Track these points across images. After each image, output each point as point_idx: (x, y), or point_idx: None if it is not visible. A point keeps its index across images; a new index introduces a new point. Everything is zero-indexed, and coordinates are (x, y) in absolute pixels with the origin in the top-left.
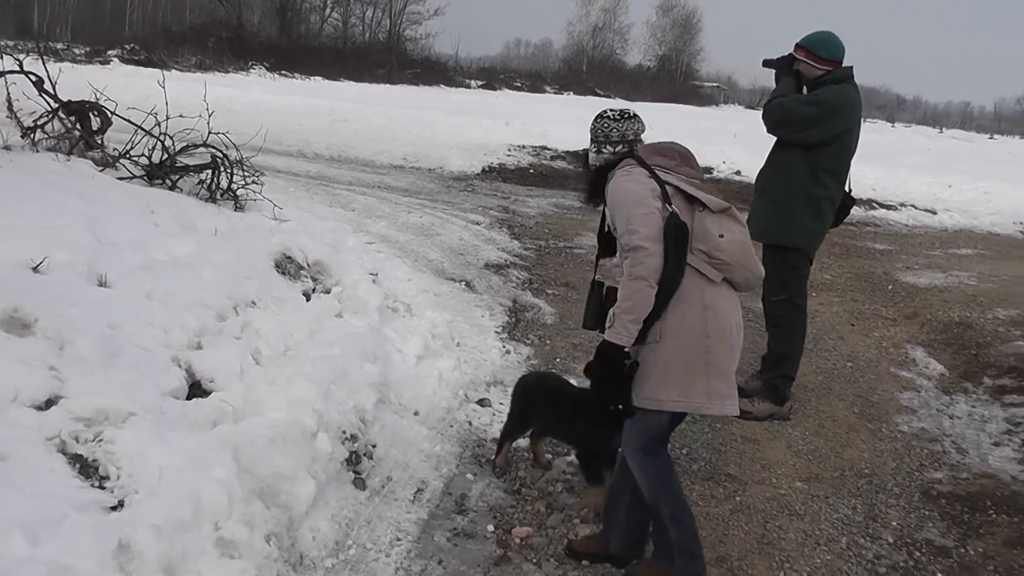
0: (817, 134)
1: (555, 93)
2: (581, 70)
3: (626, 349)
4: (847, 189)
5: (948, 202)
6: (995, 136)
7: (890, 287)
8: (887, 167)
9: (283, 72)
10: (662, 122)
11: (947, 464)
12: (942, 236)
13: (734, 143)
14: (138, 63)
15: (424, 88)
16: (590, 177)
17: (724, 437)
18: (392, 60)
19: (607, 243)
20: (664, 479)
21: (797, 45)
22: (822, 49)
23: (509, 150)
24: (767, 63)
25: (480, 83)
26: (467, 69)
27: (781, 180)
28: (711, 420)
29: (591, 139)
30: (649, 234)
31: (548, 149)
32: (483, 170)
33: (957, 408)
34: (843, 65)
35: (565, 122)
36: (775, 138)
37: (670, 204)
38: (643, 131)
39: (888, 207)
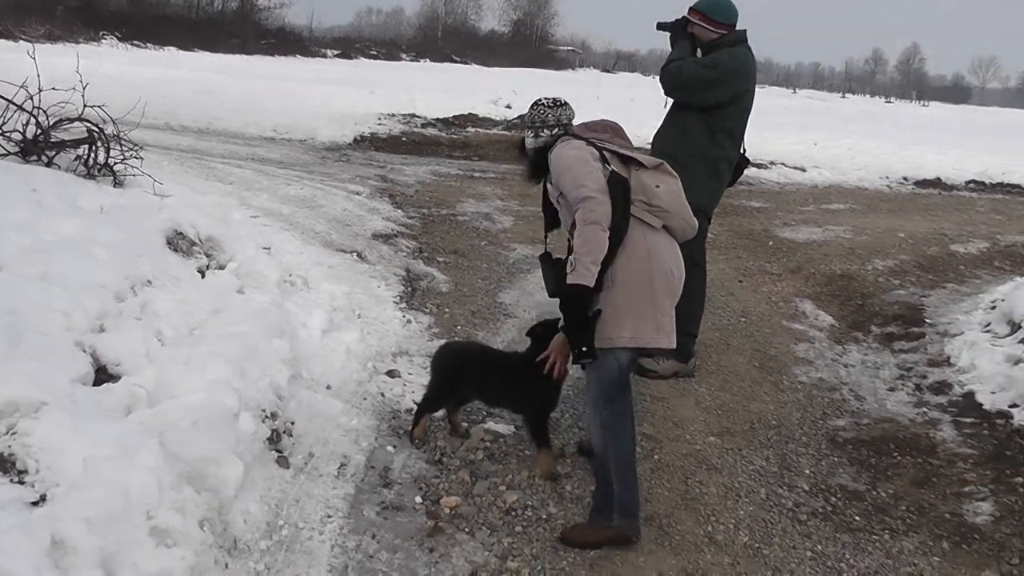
0: (714, 96)
1: (412, 60)
2: (436, 37)
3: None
4: (742, 150)
5: (816, 159)
6: (847, 95)
7: (771, 243)
8: (753, 127)
9: (135, 42)
10: (525, 87)
11: (848, 411)
12: (814, 192)
13: (599, 106)
14: None
15: (281, 59)
16: (532, 157)
17: (634, 397)
18: (246, 30)
19: (552, 215)
20: (617, 430)
21: (691, 8)
22: (717, 13)
23: (379, 119)
24: (661, 26)
25: (336, 52)
26: (322, 39)
27: (680, 141)
28: None
29: (528, 126)
30: (596, 186)
31: (417, 117)
32: (355, 139)
33: (850, 357)
34: (737, 28)
35: (430, 89)
36: (671, 100)
37: (609, 164)
38: (574, 117)
39: (759, 166)
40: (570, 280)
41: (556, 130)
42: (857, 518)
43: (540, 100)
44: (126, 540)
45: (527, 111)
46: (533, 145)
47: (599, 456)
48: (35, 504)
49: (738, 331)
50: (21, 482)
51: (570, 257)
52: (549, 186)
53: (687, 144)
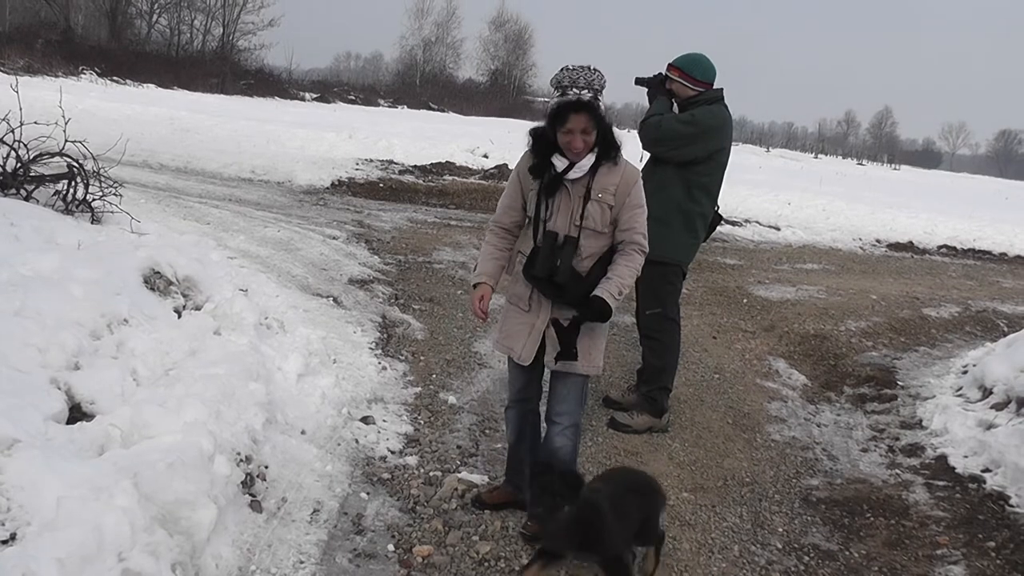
0: (692, 152)
1: (389, 106)
2: (415, 83)
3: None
4: (716, 206)
5: (790, 218)
6: (820, 156)
7: (745, 301)
8: (728, 184)
9: (115, 78)
10: (502, 136)
11: (821, 471)
12: (787, 251)
13: None
14: None
15: (260, 100)
16: (611, 130)
17: (607, 451)
18: (226, 70)
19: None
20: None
21: (671, 65)
22: (696, 71)
23: (357, 164)
24: (639, 81)
25: (314, 95)
26: (301, 81)
27: (657, 196)
28: (592, 435)
29: (598, 89)
30: None
31: (395, 163)
32: (332, 184)
33: (823, 416)
34: (714, 87)
35: (407, 136)
36: (648, 155)
37: None
38: None
39: (734, 223)
40: (611, 300)
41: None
42: None
43: (586, 65)
44: None
45: (576, 72)
46: (605, 115)
47: (569, 458)
48: (5, 543)
49: (712, 387)
50: None
51: (619, 280)
52: (595, 203)
53: (664, 198)
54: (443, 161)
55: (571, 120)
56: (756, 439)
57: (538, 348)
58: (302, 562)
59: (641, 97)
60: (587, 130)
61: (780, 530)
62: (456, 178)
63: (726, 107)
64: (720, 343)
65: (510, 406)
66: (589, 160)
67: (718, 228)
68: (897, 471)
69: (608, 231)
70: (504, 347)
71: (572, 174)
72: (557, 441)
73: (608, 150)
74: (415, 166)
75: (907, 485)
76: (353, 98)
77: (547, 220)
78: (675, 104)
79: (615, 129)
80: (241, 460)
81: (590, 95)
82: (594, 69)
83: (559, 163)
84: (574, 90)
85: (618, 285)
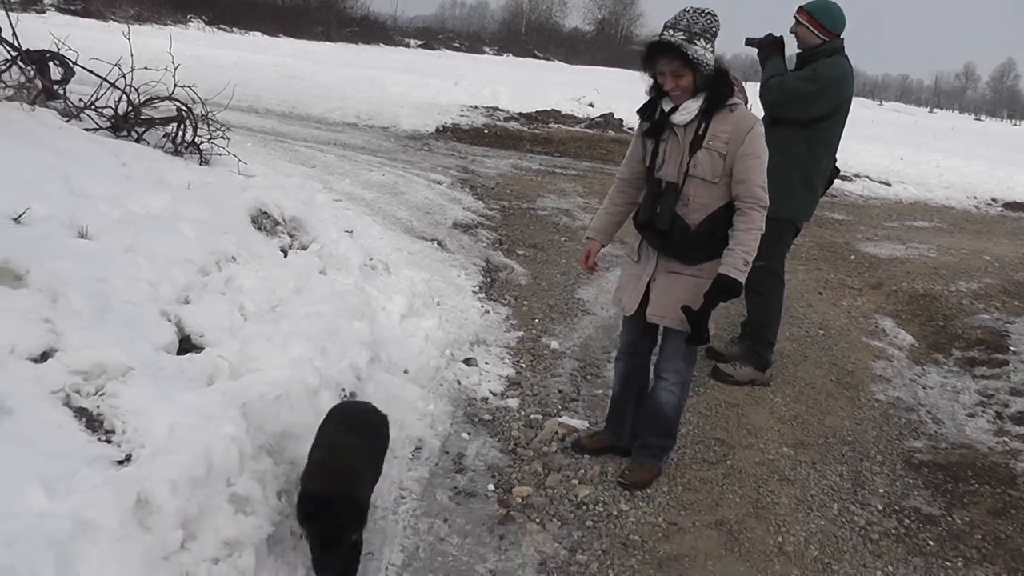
0: (815, 110)
1: (494, 55)
2: (520, 32)
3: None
4: (834, 160)
5: (901, 174)
6: (935, 110)
7: (852, 257)
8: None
9: (221, 26)
10: (608, 86)
11: (925, 434)
12: (898, 208)
13: None
14: (75, 13)
15: (364, 47)
16: (717, 77)
17: (708, 402)
18: (331, 18)
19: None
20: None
21: (801, 8)
22: (827, 19)
23: (461, 110)
24: (749, 42)
25: (419, 43)
26: (405, 28)
27: (776, 153)
28: (693, 385)
29: (698, 32)
30: None
31: (500, 110)
32: (437, 130)
33: (929, 378)
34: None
35: (512, 83)
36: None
37: None
38: None
39: (844, 178)
40: (738, 277)
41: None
42: (930, 543)
43: (701, 8)
44: (207, 505)
45: (682, 13)
46: (710, 61)
47: (671, 416)
48: (121, 463)
49: (816, 343)
50: (108, 441)
51: (743, 254)
52: (706, 151)
53: (783, 155)
54: (548, 109)
55: (659, 62)
56: (859, 398)
57: (642, 301)
58: (403, 498)
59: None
60: (678, 73)
61: (881, 491)
62: (561, 126)
63: (847, 58)
64: (826, 299)
65: (619, 357)
66: (695, 104)
67: None
68: (1005, 439)
69: (720, 182)
70: (616, 299)
71: (678, 118)
72: (663, 396)
73: (719, 96)
74: (520, 113)
75: (1015, 454)
76: (458, 45)
77: (657, 168)
78: (793, 54)
79: (735, 76)
80: (345, 396)
81: (683, 37)
82: (705, 12)
83: (665, 104)
84: (668, 31)
85: (742, 256)
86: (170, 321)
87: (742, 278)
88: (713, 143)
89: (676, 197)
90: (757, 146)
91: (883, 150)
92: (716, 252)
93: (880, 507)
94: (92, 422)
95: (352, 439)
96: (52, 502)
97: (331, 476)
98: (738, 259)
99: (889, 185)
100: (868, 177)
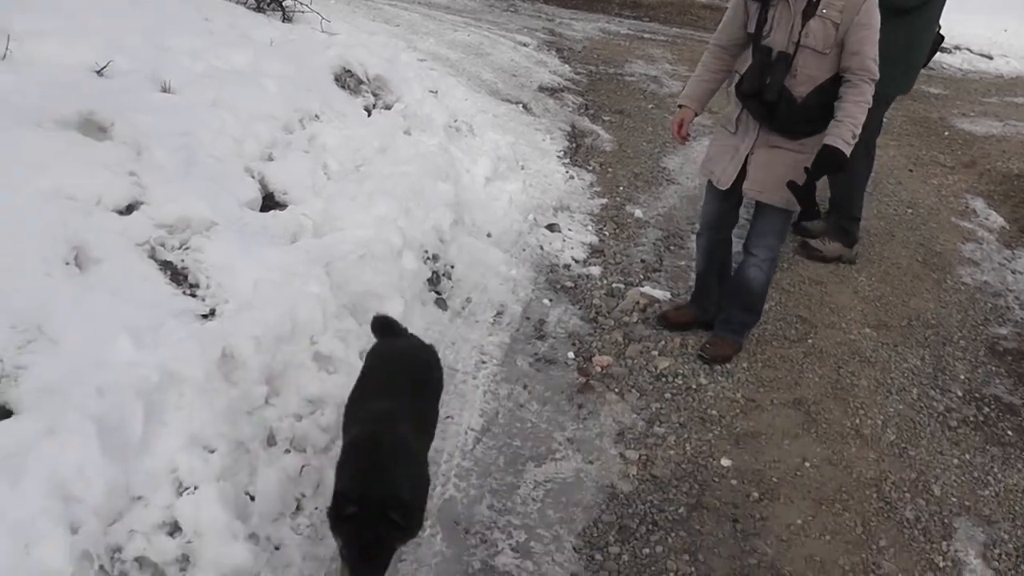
0: None
1: None
2: None
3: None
4: (938, 28)
5: (1004, 47)
6: None
7: (946, 133)
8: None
9: None
10: None
11: (1011, 320)
12: (998, 83)
13: None
14: None
15: None
16: None
17: (792, 278)
18: None
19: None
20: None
21: None
22: None
23: None
24: None
25: None
26: None
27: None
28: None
29: None
30: None
31: None
32: None
33: (1019, 263)
34: None
35: None
36: None
37: None
38: None
39: (943, 50)
40: (843, 149)
41: None
42: (1009, 432)
43: None
44: (291, 362)
45: None
46: None
47: (759, 292)
48: (206, 317)
49: (904, 222)
50: (193, 295)
51: (847, 122)
52: (819, 20)
53: (886, 26)
54: None
55: None
56: (946, 280)
57: (738, 175)
58: (484, 362)
59: None
60: None
61: (962, 377)
62: None
63: None
64: (916, 177)
65: (701, 232)
66: None
67: None
68: None
69: (830, 53)
70: (706, 170)
71: None
72: (752, 272)
73: None
74: None
75: None
76: None
77: (765, 35)
78: None
79: None
80: (428, 258)
81: None
82: None
83: None
84: None
85: (850, 128)
86: (254, 178)
87: (848, 151)
88: (828, 11)
89: (787, 68)
90: (872, 16)
91: (986, 21)
92: (820, 127)
93: (960, 394)
94: (177, 275)
95: (397, 407)
96: (139, 352)
97: (375, 472)
98: (846, 131)
99: (990, 58)
100: (968, 49)
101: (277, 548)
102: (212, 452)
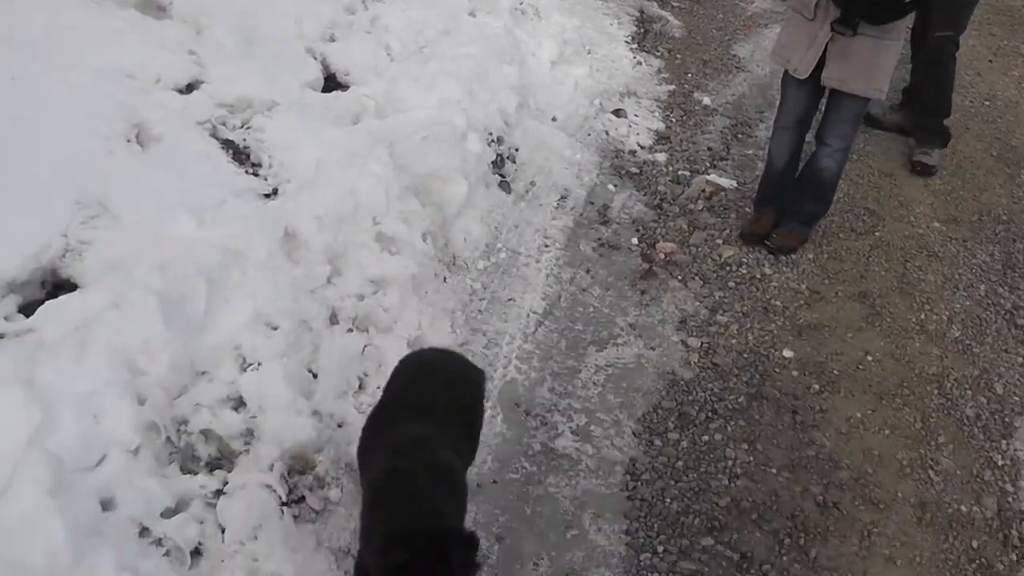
0: None
1: None
2: None
3: None
4: None
5: None
6: None
7: None
8: None
9: None
10: None
11: None
12: None
13: None
14: None
15: None
16: None
17: (861, 170)
18: None
19: None
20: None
21: None
22: None
23: None
24: None
25: None
26: None
27: None
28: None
29: None
30: None
31: None
32: None
33: None
34: None
35: None
36: None
37: None
38: None
39: None
40: None
41: None
42: None
43: None
44: (353, 242)
45: None
46: None
47: (830, 184)
48: (268, 196)
49: (980, 115)
50: (255, 174)
51: None
52: None
53: None
54: None
55: None
56: (1020, 175)
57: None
58: (547, 246)
59: None
60: None
61: None
62: None
63: None
64: (996, 68)
65: (786, 127)
66: None
67: None
68: None
69: None
70: (781, 58)
71: None
72: (824, 162)
73: None
74: None
75: None
76: None
77: None
78: None
79: None
80: (492, 140)
81: None
82: None
83: None
84: None
85: None
86: (315, 58)
87: None
88: None
89: None
90: None
91: None
92: (903, 11)
93: None
94: (239, 155)
95: (438, 435)
96: (201, 230)
97: (420, 503)
98: None
99: None
100: None
101: (340, 425)
102: (275, 329)
